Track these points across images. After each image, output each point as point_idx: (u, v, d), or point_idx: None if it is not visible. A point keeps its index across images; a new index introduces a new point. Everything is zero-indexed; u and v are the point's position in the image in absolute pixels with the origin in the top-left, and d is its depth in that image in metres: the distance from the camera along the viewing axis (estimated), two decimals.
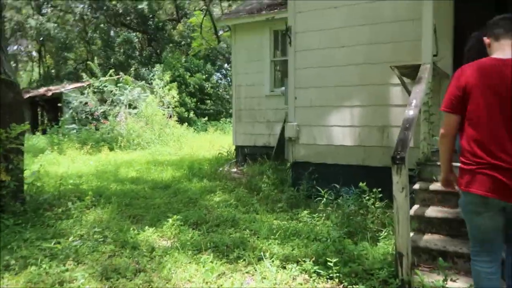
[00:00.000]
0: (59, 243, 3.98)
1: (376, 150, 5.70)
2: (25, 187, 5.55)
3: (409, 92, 4.88)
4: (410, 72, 4.89)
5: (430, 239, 3.55)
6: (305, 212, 4.84)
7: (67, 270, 3.44)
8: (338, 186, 5.61)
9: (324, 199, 5.13)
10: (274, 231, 4.33)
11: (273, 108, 9.03)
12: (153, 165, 9.29)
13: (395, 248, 3.15)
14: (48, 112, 17.83)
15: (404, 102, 5.18)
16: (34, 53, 31.64)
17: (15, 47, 30.21)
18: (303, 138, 6.31)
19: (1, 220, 4.63)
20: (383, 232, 3.99)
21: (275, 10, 8.70)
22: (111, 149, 12.48)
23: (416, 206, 3.95)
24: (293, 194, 5.87)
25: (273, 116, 9.01)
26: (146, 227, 4.60)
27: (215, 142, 13.49)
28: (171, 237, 4.44)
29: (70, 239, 4.13)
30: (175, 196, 6.31)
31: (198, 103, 22.31)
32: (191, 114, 21.04)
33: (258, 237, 4.29)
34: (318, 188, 5.59)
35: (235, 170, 8.67)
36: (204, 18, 11.75)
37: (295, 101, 6.37)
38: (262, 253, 3.72)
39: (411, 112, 3.63)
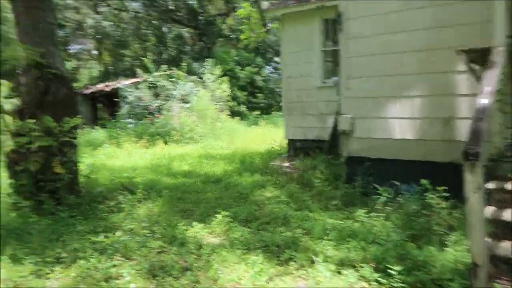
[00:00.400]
0: (107, 237, 3.98)
1: (438, 144, 5.22)
2: (81, 179, 5.68)
3: (477, 79, 4.38)
4: (478, 57, 4.35)
5: (509, 247, 3.10)
6: (362, 211, 4.49)
7: (114, 265, 3.41)
8: (397, 183, 5.19)
9: (382, 197, 4.75)
10: (328, 231, 4.05)
11: (324, 100, 8.65)
12: (205, 158, 9.29)
13: (471, 257, 2.76)
14: (107, 106, 18.57)
15: (471, 91, 4.71)
16: (95, 52, 33.16)
17: (79, 47, 31.78)
18: (357, 131, 5.94)
19: (56, 212, 4.76)
20: (451, 235, 3.58)
21: None
22: (166, 142, 12.72)
23: (491, 208, 3.48)
24: (348, 191, 5.53)
25: (324, 108, 8.64)
26: (195, 222, 4.51)
27: (267, 135, 13.33)
28: (220, 234, 4.30)
29: (119, 233, 4.12)
30: (226, 190, 6.20)
31: (249, 97, 22.24)
32: (243, 108, 21.02)
33: (311, 237, 4.03)
34: (375, 185, 5.22)
35: (286, 164, 8.42)
36: (252, 9, 11.52)
37: (348, 92, 6.01)
38: (313, 256, 3.46)
39: (485, 101, 3.21)
